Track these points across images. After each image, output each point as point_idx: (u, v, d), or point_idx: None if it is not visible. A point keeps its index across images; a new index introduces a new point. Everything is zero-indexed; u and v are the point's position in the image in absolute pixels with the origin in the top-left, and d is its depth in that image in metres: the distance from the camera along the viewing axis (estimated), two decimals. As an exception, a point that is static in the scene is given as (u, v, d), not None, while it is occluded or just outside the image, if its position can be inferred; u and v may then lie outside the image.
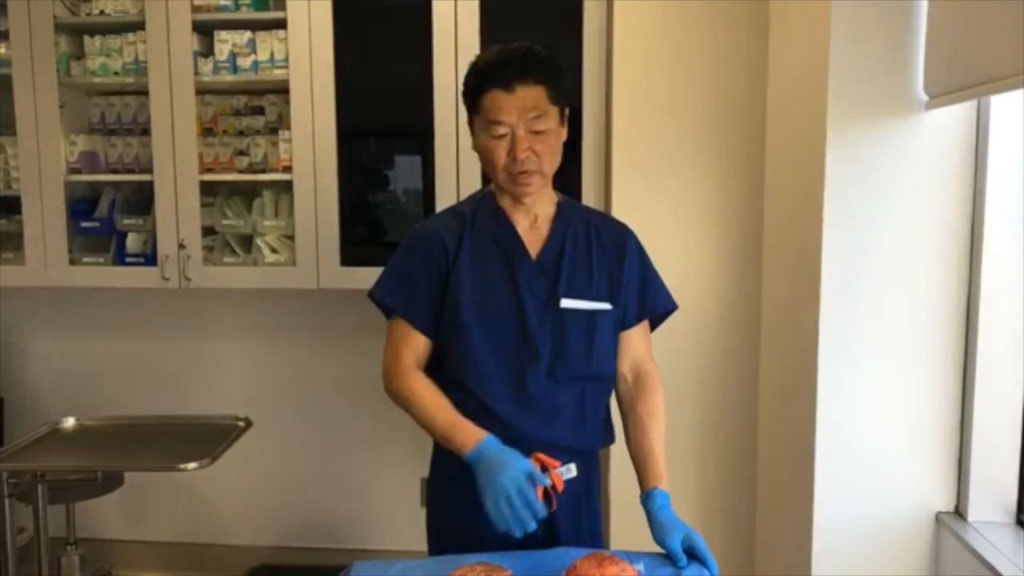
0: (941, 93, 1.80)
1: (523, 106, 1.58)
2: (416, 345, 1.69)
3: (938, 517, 1.96)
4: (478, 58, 1.67)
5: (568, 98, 1.67)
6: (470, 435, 1.56)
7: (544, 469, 1.64)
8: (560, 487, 1.65)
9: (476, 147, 1.67)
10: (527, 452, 1.64)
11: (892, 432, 1.95)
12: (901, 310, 1.92)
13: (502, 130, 1.59)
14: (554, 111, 1.62)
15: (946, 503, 1.96)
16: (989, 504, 1.90)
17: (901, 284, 1.92)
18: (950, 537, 1.90)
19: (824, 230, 1.93)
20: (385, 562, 1.55)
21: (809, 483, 1.99)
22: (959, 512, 1.95)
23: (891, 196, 1.90)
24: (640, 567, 1.47)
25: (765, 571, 2.46)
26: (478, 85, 1.62)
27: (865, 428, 1.96)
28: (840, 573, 1.97)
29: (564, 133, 1.68)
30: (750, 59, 2.41)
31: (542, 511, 1.50)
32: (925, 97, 1.86)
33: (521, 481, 1.50)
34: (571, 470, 1.68)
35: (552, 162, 1.64)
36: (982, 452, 1.89)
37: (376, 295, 1.72)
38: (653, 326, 1.80)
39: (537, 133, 1.60)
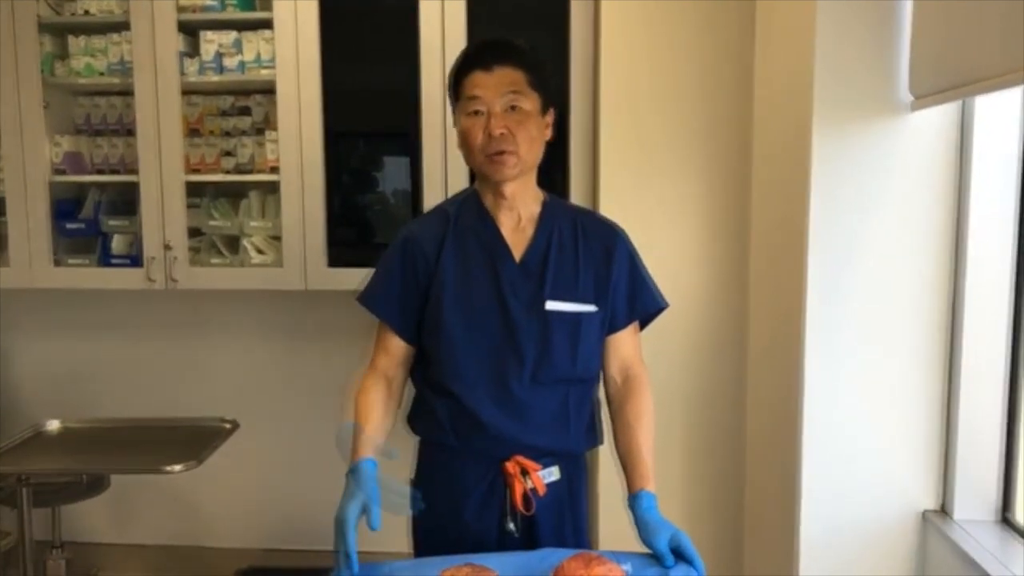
0: (926, 94, 1.81)
1: (500, 82, 1.60)
2: (393, 350, 1.70)
3: (924, 515, 1.97)
4: (462, 52, 1.70)
5: (553, 98, 1.68)
6: (355, 454, 1.59)
7: (525, 472, 1.64)
8: (541, 490, 1.65)
9: (458, 135, 1.67)
10: (508, 455, 1.65)
11: (878, 431, 1.96)
12: (886, 310, 1.93)
13: (479, 106, 1.60)
14: (534, 97, 1.62)
15: (932, 501, 1.97)
16: (974, 502, 1.91)
17: (886, 284, 1.93)
18: (936, 535, 1.91)
19: (810, 230, 1.93)
20: (372, 564, 1.55)
21: (796, 482, 2.00)
22: (944, 510, 1.96)
23: (876, 196, 1.91)
24: (627, 567, 1.47)
25: (752, 570, 2.47)
26: (460, 69, 1.65)
27: (851, 427, 1.96)
28: (827, 571, 1.98)
29: (548, 132, 1.68)
30: (736, 59, 2.42)
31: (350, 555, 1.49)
32: (910, 98, 1.87)
33: (345, 517, 1.50)
34: (553, 473, 1.68)
35: (530, 148, 1.63)
36: (967, 451, 1.90)
37: (360, 299, 1.73)
38: (643, 325, 1.80)
39: (514, 111, 1.60)
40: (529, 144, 1.62)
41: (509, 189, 1.66)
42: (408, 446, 1.78)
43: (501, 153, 1.60)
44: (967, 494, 1.91)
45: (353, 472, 1.56)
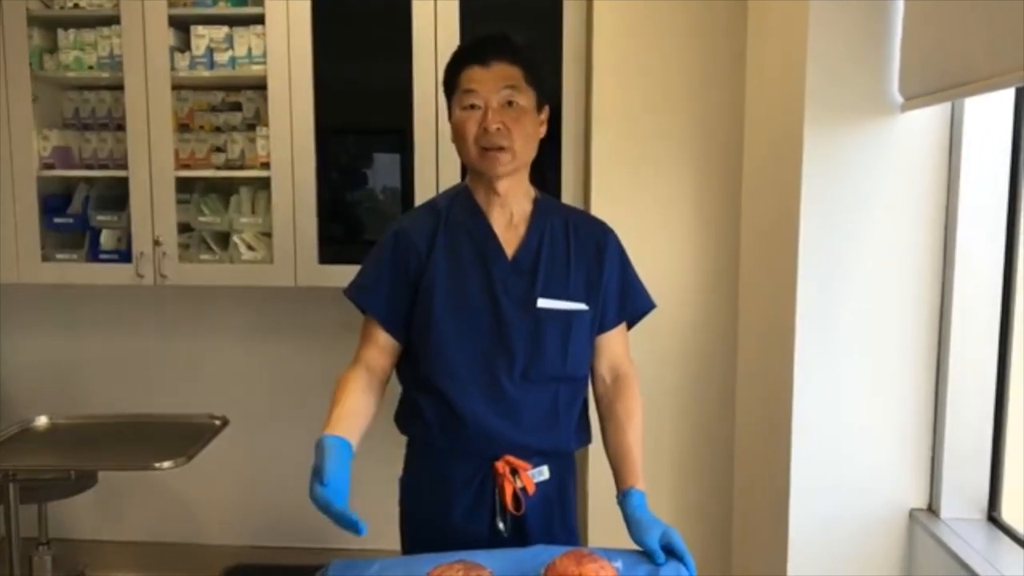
0: (916, 95, 1.82)
1: (497, 77, 1.60)
2: (378, 344, 1.68)
3: (912, 514, 1.98)
4: (460, 43, 1.70)
5: (548, 95, 1.68)
6: (325, 429, 1.53)
7: (515, 472, 1.64)
8: (531, 490, 1.65)
9: (452, 128, 1.66)
10: (498, 454, 1.64)
11: (867, 430, 1.97)
12: (876, 309, 1.94)
13: (475, 100, 1.60)
14: (529, 93, 1.62)
15: (920, 500, 1.98)
16: (962, 501, 1.92)
17: (876, 284, 1.94)
18: (923, 534, 1.92)
19: (800, 230, 1.94)
20: (363, 560, 1.55)
21: (785, 480, 2.01)
22: (932, 509, 1.97)
23: (867, 196, 1.92)
24: (619, 564, 1.47)
25: (742, 568, 2.48)
26: (457, 63, 1.64)
27: (840, 426, 1.97)
28: (815, 569, 1.99)
29: (542, 129, 1.68)
30: (728, 59, 2.43)
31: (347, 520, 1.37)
32: (900, 99, 1.88)
33: (320, 502, 1.40)
34: (543, 472, 1.68)
35: (524, 144, 1.63)
36: (955, 450, 1.91)
37: (347, 293, 1.72)
38: (631, 324, 1.80)
39: (510, 107, 1.60)
40: (524, 141, 1.62)
41: (503, 186, 1.66)
42: (399, 445, 1.78)
43: (496, 148, 1.60)
44: (955, 493, 1.92)
45: (315, 448, 1.48)
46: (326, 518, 1.41)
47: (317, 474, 1.43)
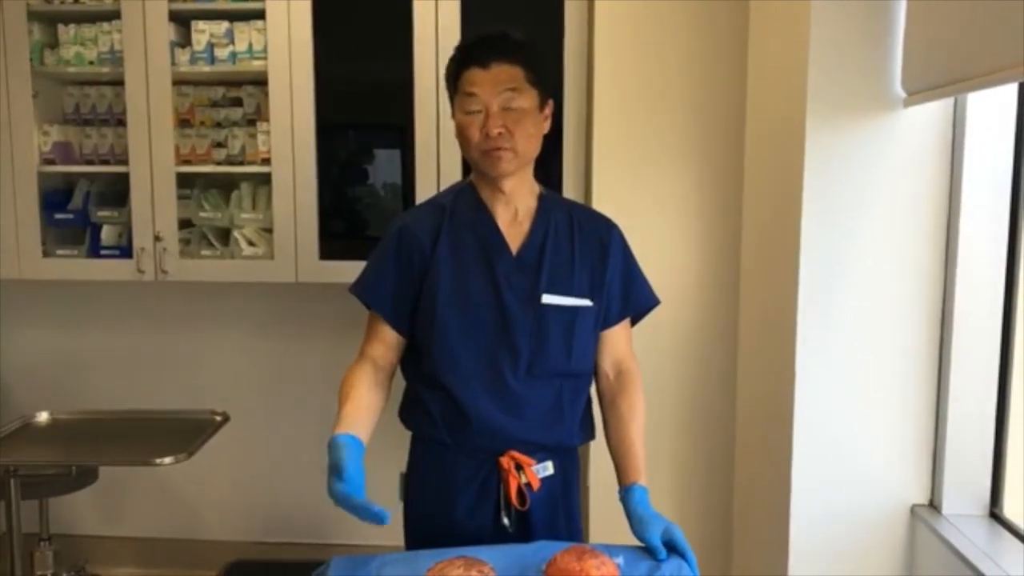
0: (919, 90, 1.82)
1: (497, 80, 1.59)
2: (384, 340, 1.68)
3: (913, 510, 1.98)
4: (460, 41, 1.70)
5: (550, 90, 1.68)
6: (336, 428, 1.50)
7: (519, 467, 1.64)
8: (536, 485, 1.65)
9: (455, 127, 1.66)
10: (502, 450, 1.64)
11: (868, 426, 1.97)
12: (878, 305, 1.94)
13: (476, 105, 1.60)
14: (531, 93, 1.62)
15: (921, 496, 1.98)
16: (963, 497, 1.92)
17: (878, 279, 1.94)
18: (925, 530, 1.92)
19: (802, 226, 1.94)
20: (363, 557, 1.54)
21: (786, 476, 2.01)
22: (934, 505, 1.97)
23: (869, 192, 1.92)
24: (620, 560, 1.48)
25: (743, 564, 2.48)
26: (458, 64, 1.64)
27: (842, 422, 1.97)
28: (816, 565, 1.99)
29: (545, 125, 1.68)
30: (730, 55, 2.42)
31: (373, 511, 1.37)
32: (903, 94, 1.88)
33: (341, 497, 1.39)
34: (547, 468, 1.68)
35: (527, 144, 1.63)
36: (957, 446, 1.91)
37: (352, 290, 1.72)
38: (634, 321, 1.80)
39: (511, 111, 1.60)
40: (526, 141, 1.62)
41: (508, 185, 1.66)
42: (400, 440, 1.78)
43: (497, 149, 1.60)
44: (956, 489, 1.92)
45: (328, 448, 1.47)
46: (341, 513, 1.41)
47: (335, 471, 1.42)
